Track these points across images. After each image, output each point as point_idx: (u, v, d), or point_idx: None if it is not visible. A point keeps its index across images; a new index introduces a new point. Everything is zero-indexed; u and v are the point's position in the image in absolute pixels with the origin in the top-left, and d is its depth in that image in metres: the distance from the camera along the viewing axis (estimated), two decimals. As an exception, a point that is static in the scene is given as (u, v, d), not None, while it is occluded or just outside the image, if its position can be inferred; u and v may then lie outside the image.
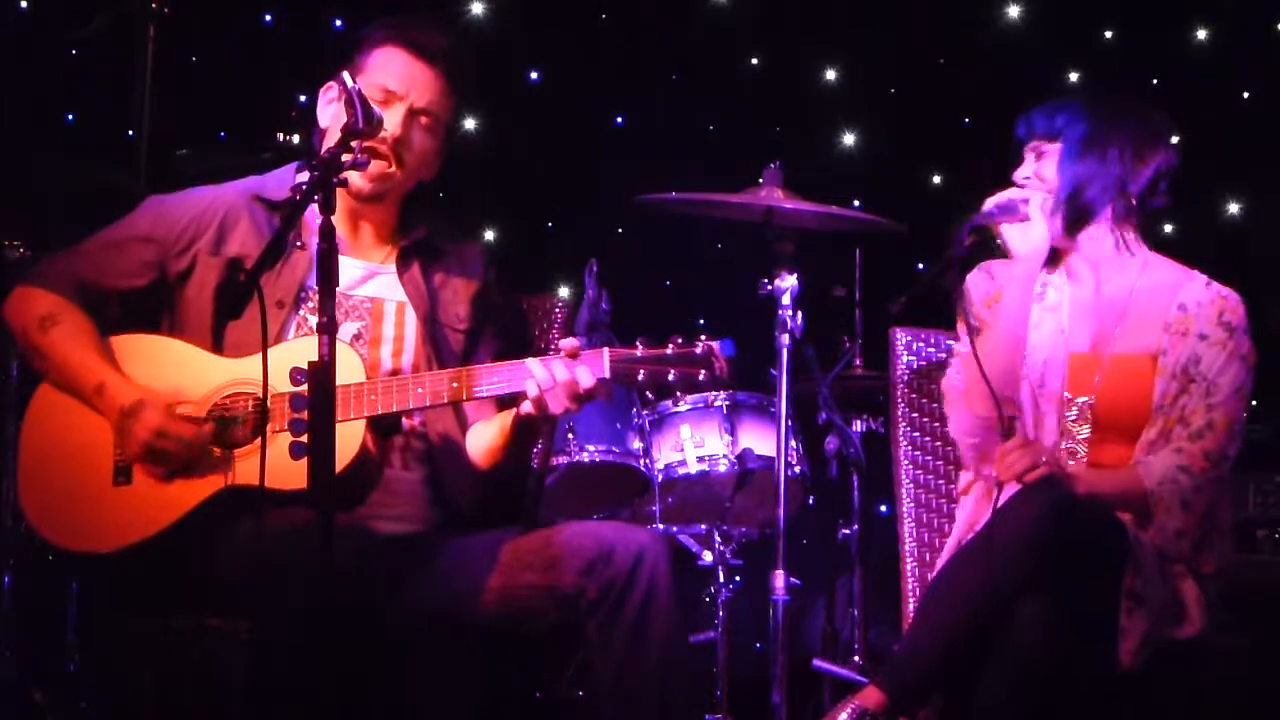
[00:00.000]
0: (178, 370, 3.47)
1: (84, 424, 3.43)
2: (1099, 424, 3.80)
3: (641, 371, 3.31)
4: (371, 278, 3.63)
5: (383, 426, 3.44)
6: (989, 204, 3.84)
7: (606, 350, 3.33)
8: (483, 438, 3.59)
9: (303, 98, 3.70)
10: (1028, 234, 3.81)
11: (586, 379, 3.31)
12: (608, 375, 3.32)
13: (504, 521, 3.59)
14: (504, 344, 3.70)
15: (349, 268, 3.55)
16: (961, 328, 3.91)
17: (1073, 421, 3.81)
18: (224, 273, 3.55)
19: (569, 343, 3.33)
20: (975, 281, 3.95)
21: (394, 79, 3.58)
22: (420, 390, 3.36)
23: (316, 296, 3.47)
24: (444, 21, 3.69)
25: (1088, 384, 3.82)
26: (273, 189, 3.64)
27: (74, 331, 3.49)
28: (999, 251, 3.88)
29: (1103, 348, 3.84)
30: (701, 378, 3.31)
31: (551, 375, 3.30)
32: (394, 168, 3.57)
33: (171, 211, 3.61)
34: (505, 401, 3.53)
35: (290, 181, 3.61)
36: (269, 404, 3.34)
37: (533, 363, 3.33)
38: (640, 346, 3.33)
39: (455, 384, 3.36)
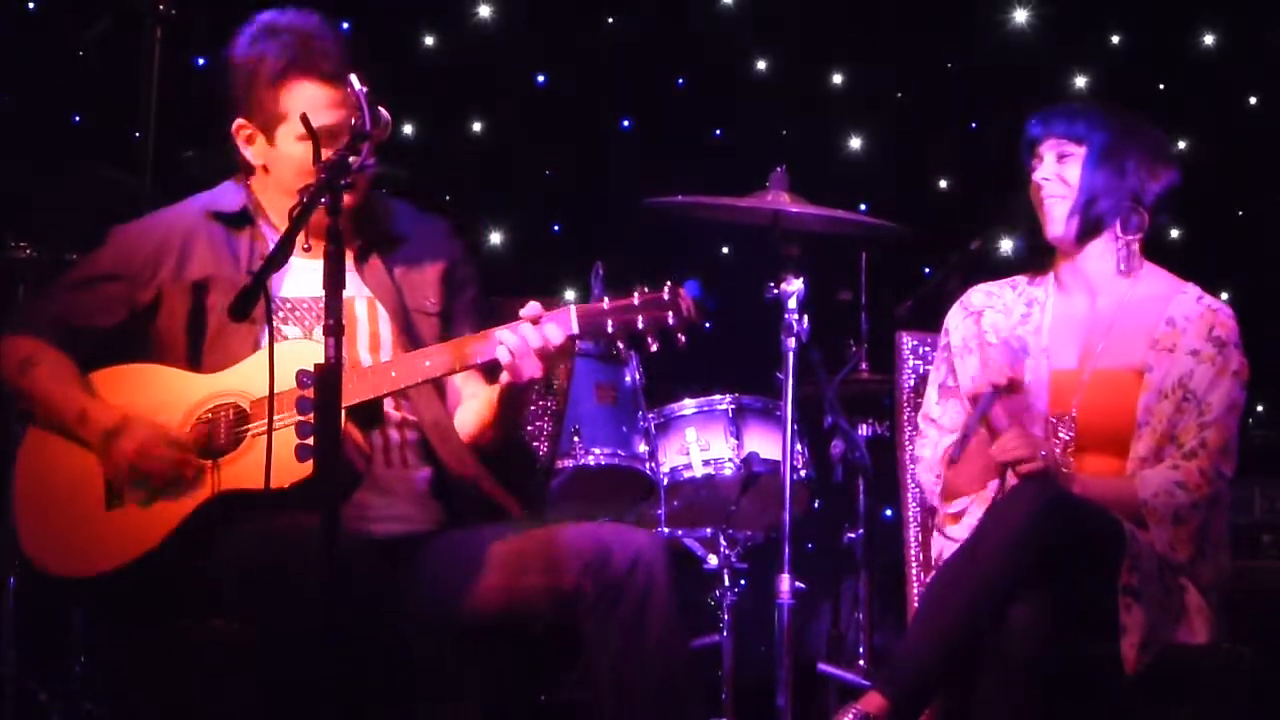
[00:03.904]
0: (159, 391, 3.47)
1: (73, 457, 3.43)
2: (1081, 440, 3.79)
3: (610, 322, 3.31)
4: None
5: (364, 418, 3.42)
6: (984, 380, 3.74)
7: (573, 306, 3.34)
8: (470, 414, 3.59)
9: (239, 117, 3.65)
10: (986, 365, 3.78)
11: (556, 336, 3.32)
12: (576, 331, 3.33)
13: (505, 514, 3.58)
14: (480, 316, 3.67)
15: (314, 272, 3.46)
16: (942, 359, 3.93)
17: (1056, 438, 3.80)
18: (191, 297, 3.53)
19: (531, 307, 3.34)
20: (956, 323, 3.96)
21: (325, 116, 3.44)
22: (395, 374, 3.36)
23: (286, 307, 3.53)
24: (310, 12, 3.57)
25: (1069, 400, 3.81)
26: (224, 202, 3.63)
27: (52, 369, 3.50)
28: (997, 265, 3.88)
29: (1087, 363, 3.82)
30: (671, 321, 3.29)
31: (522, 339, 3.32)
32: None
33: (132, 244, 3.60)
34: (490, 374, 3.53)
35: (235, 192, 3.64)
36: (250, 409, 3.37)
37: (502, 331, 3.34)
38: (606, 300, 3.33)
39: (428, 363, 3.36)
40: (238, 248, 3.57)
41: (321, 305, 3.48)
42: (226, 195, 3.65)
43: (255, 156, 3.59)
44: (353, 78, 3.18)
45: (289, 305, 3.54)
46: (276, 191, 3.57)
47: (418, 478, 3.55)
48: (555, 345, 3.33)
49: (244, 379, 3.41)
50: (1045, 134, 3.85)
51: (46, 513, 3.44)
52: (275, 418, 3.25)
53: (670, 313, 3.30)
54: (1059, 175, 3.82)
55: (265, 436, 3.22)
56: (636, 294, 3.32)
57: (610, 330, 3.32)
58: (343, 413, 3.27)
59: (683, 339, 3.34)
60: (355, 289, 3.59)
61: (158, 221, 3.66)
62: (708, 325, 3.35)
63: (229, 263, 3.54)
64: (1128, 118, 3.88)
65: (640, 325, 3.30)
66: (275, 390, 3.17)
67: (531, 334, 3.32)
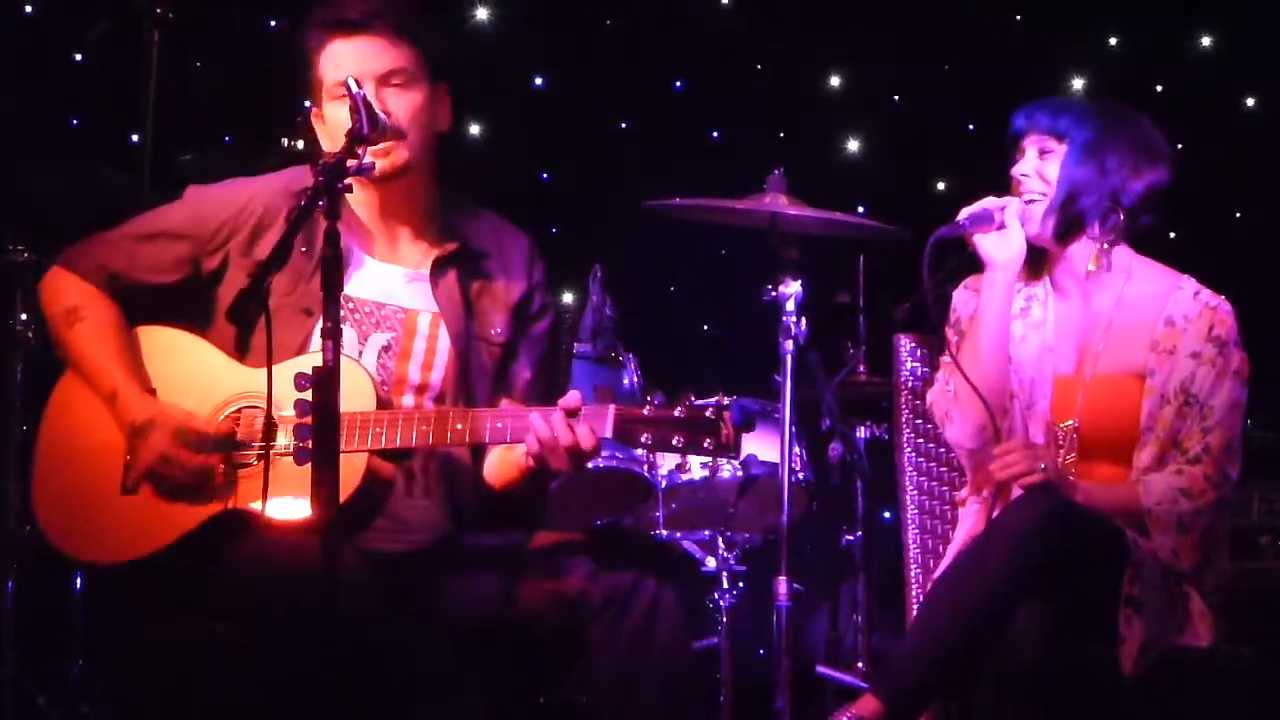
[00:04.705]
0: (195, 375, 3.44)
1: (101, 422, 3.41)
2: (1084, 447, 3.76)
3: (646, 434, 3.23)
4: (408, 285, 3.55)
5: (390, 452, 3.38)
6: (962, 215, 3.77)
7: (613, 408, 3.25)
8: (494, 465, 3.54)
9: (306, 103, 3.66)
10: (1004, 243, 3.75)
11: (587, 440, 3.23)
12: (610, 435, 3.24)
13: (512, 527, 3.58)
14: (542, 357, 3.64)
15: (386, 275, 3.52)
16: (950, 336, 3.89)
17: (1059, 445, 3.77)
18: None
19: (571, 399, 3.25)
20: (962, 300, 3.93)
21: (345, 68, 3.45)
22: (425, 428, 3.30)
23: (348, 306, 3.47)
24: None
25: (1070, 407, 3.78)
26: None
27: (97, 329, 3.46)
28: (979, 265, 3.84)
29: (1086, 367, 3.79)
30: (707, 445, 3.21)
31: (553, 434, 3.23)
32: (397, 143, 3.45)
33: (209, 207, 3.55)
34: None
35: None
36: (276, 422, 3.32)
37: (535, 418, 3.25)
38: (650, 405, 3.24)
39: (460, 426, 3.30)
40: (314, 234, 3.42)
41: (383, 312, 3.50)
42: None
43: (325, 140, 3.55)
44: (351, 81, 3.18)
45: (350, 305, 3.48)
46: None
47: (437, 508, 3.51)
48: (586, 448, 3.24)
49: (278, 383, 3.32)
50: (1028, 128, 3.81)
51: (64, 479, 3.42)
52: (285, 443, 3.27)
53: (709, 439, 3.21)
54: (1038, 172, 3.78)
55: (285, 457, 3.24)
56: (681, 407, 3.22)
57: (644, 441, 3.24)
58: (367, 453, 3.29)
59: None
60: (425, 302, 3.55)
61: (239, 190, 3.59)
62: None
63: (298, 250, 3.43)
64: (1116, 112, 3.84)
65: (675, 443, 3.23)
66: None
67: (563, 431, 3.23)
